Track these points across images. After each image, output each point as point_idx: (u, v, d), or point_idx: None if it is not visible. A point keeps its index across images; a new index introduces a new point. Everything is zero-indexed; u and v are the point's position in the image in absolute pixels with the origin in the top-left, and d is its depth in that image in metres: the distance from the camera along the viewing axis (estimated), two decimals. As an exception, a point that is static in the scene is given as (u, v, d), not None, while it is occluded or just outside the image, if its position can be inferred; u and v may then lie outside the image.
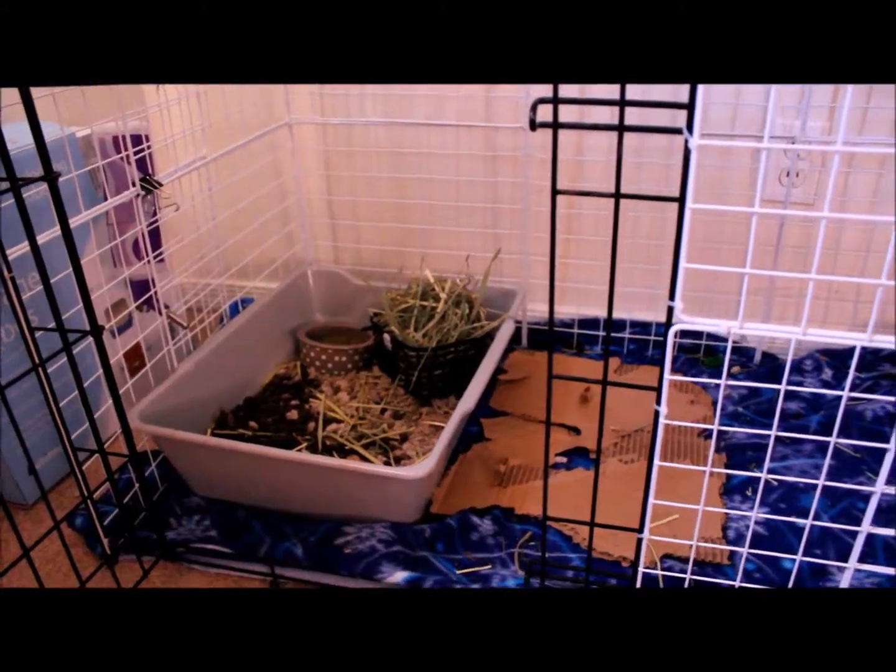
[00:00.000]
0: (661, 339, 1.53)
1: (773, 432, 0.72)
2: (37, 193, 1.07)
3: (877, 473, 1.16)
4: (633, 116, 1.33)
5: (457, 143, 1.55)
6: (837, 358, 1.46)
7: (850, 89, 0.55)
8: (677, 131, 0.66)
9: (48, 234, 0.95)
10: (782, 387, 0.69)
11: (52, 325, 0.88)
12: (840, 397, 1.30)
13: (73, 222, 0.95)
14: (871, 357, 1.43)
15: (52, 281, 0.86)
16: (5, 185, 0.78)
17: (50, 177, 0.81)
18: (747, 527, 1.08)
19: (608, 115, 1.39)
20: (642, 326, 1.56)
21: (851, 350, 1.46)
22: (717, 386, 1.41)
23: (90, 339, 0.92)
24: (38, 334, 0.88)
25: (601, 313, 1.59)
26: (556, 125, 0.68)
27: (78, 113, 1.06)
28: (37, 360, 0.87)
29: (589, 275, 1.56)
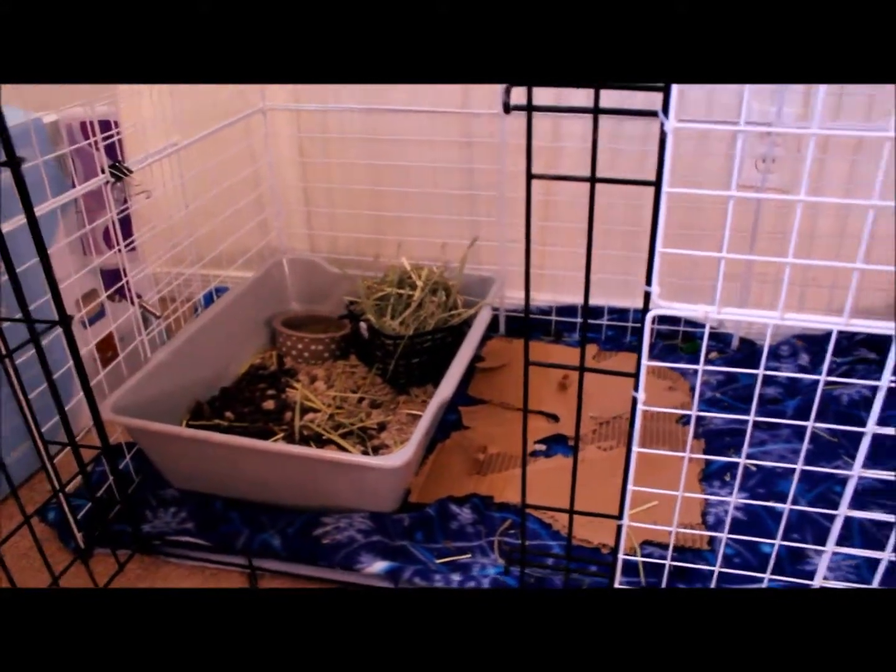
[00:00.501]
0: (639, 325, 1.53)
1: (751, 417, 0.72)
2: (3, 181, 1.04)
3: (853, 457, 1.17)
4: (609, 102, 1.32)
5: (432, 130, 1.54)
6: (814, 343, 1.47)
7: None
8: (653, 114, 0.65)
9: (14, 222, 0.93)
10: (760, 371, 0.69)
11: (20, 315, 0.86)
12: (817, 382, 1.31)
13: (41, 210, 0.93)
14: (847, 342, 1.44)
15: (18, 270, 0.84)
16: (-32, 171, 0.77)
17: (13, 162, 0.79)
18: (726, 512, 1.08)
19: (584, 100, 1.39)
20: (620, 313, 1.56)
21: (828, 335, 1.47)
22: (695, 372, 1.42)
23: (60, 330, 0.91)
24: (4, 325, 0.86)
25: (578, 300, 1.58)
26: (530, 108, 0.67)
27: (44, 98, 1.04)
28: (3, 352, 0.85)
29: (566, 262, 1.56)
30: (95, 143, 1.10)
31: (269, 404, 1.33)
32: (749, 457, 1.17)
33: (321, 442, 1.23)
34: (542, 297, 1.60)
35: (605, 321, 1.56)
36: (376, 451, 1.22)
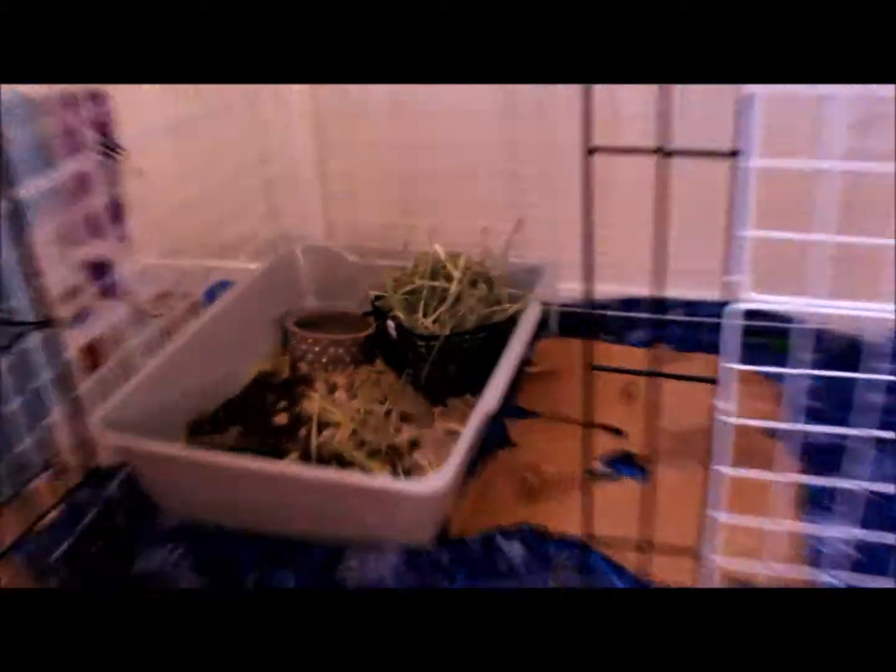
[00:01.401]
0: (718, 321, 1.50)
1: (860, 431, 0.70)
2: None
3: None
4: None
5: (470, 99, 1.52)
6: (928, 341, 1.42)
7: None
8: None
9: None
10: (880, 377, 0.66)
11: (-8, 317, 0.86)
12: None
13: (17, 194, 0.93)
14: (970, 339, 1.40)
15: (-8, 264, 0.84)
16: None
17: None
18: (831, 546, 1.05)
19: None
20: (694, 306, 1.53)
21: (945, 331, 1.42)
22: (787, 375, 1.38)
23: (39, 333, 0.90)
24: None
25: (644, 292, 1.56)
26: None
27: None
28: (-28, 360, 0.85)
29: (629, 247, 1.53)
30: (81, 117, 1.10)
31: (282, 418, 1.33)
32: (859, 478, 1.13)
33: (343, 463, 1.22)
34: (602, 289, 1.56)
35: (676, 316, 1.53)
36: (408, 473, 1.21)
